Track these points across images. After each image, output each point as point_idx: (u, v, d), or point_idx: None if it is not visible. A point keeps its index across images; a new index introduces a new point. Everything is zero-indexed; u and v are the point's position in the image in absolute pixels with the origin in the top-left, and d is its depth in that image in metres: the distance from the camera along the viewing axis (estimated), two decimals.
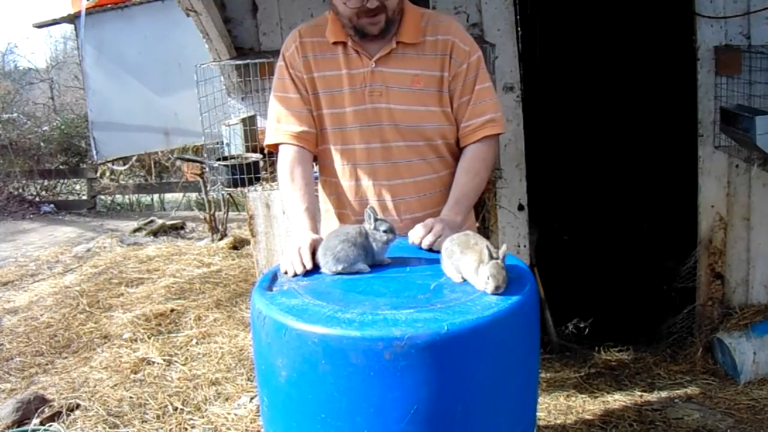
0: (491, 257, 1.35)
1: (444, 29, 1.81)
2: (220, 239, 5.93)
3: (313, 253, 1.59)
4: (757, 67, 2.86)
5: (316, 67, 1.82)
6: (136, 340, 3.72)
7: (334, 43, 1.80)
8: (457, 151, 1.90)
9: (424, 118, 1.82)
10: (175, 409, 2.94)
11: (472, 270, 1.38)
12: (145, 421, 2.85)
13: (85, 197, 8.73)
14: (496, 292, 1.33)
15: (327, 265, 1.53)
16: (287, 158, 1.83)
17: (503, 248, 1.38)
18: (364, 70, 1.79)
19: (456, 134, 1.87)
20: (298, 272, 1.54)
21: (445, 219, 1.72)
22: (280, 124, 1.86)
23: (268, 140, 1.89)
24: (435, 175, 1.87)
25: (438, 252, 1.53)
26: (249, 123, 2.97)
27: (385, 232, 1.54)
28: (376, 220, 1.55)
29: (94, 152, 4.92)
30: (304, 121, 1.84)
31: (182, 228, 6.74)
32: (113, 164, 7.48)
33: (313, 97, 1.84)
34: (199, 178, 6.26)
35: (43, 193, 8.81)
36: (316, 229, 1.75)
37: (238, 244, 5.67)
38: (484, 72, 1.85)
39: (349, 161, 1.85)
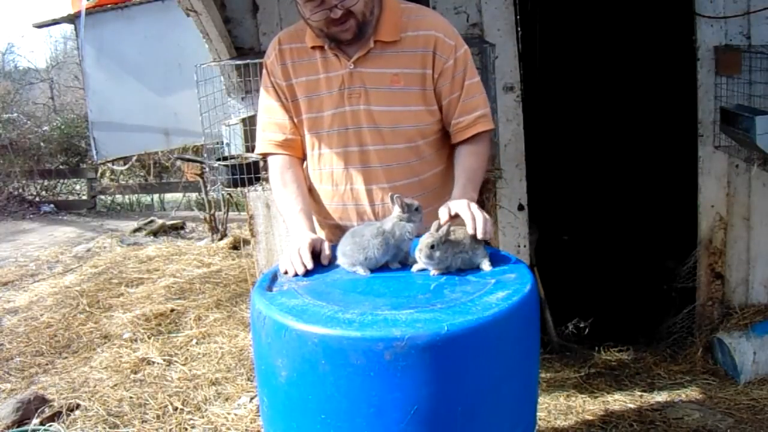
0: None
1: (426, 24, 1.74)
2: (220, 239, 5.93)
3: (313, 253, 1.59)
4: (757, 67, 2.86)
5: (294, 74, 1.79)
6: (136, 340, 3.72)
7: (313, 48, 1.76)
8: (440, 146, 1.84)
9: (406, 119, 1.76)
10: (175, 409, 2.94)
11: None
12: (145, 421, 2.85)
13: (85, 197, 8.73)
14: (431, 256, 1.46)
15: (339, 260, 1.58)
16: (276, 166, 1.84)
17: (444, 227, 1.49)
18: (342, 71, 1.74)
19: (439, 130, 1.81)
20: (299, 272, 1.54)
21: (467, 199, 1.61)
22: (264, 133, 1.86)
23: (257, 149, 1.91)
24: (416, 178, 1.81)
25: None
26: (249, 123, 2.97)
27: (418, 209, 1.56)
28: (409, 209, 1.55)
29: (94, 152, 4.92)
30: (287, 129, 1.83)
31: (182, 228, 6.74)
32: (113, 164, 7.48)
33: (293, 103, 1.81)
34: (199, 178, 6.27)
35: (43, 193, 8.81)
36: (314, 228, 1.75)
37: (238, 244, 5.67)
38: (472, 66, 1.79)
39: (327, 165, 1.82)
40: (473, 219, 1.51)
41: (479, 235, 1.51)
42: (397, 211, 1.56)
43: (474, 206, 1.55)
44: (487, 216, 1.55)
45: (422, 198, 1.80)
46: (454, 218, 1.56)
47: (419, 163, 1.81)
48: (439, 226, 1.49)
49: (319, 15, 1.63)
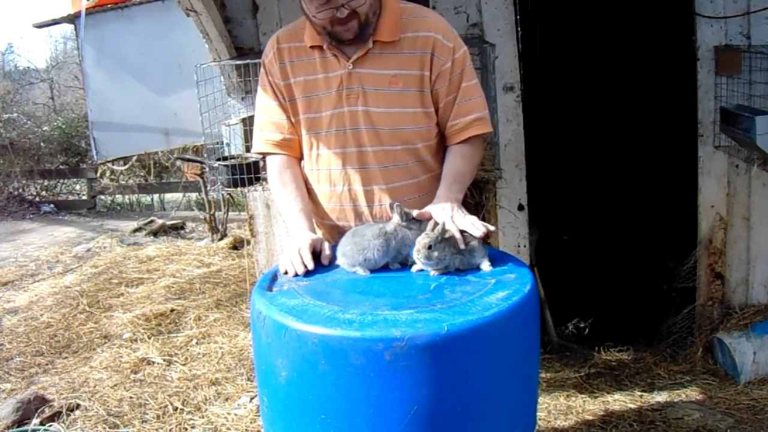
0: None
1: (425, 25, 1.73)
2: (220, 239, 5.93)
3: (313, 253, 1.59)
4: (757, 67, 2.86)
5: (293, 73, 1.78)
6: (136, 340, 3.72)
7: (312, 47, 1.76)
8: (439, 148, 1.84)
9: (404, 121, 1.75)
10: (175, 409, 2.94)
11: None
12: (145, 421, 2.85)
13: (85, 197, 8.73)
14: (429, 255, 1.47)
15: (338, 260, 1.60)
16: (274, 166, 1.84)
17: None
18: (341, 72, 1.73)
19: (437, 132, 1.81)
20: (299, 272, 1.54)
21: (453, 202, 1.65)
22: (262, 133, 1.86)
23: (254, 149, 1.91)
24: (413, 180, 1.81)
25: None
26: (249, 123, 2.97)
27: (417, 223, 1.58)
28: (407, 217, 1.57)
29: (94, 152, 4.92)
30: (285, 128, 1.83)
31: (182, 228, 6.74)
32: (113, 164, 7.47)
33: (291, 103, 1.81)
34: (199, 178, 6.27)
35: (43, 193, 8.80)
36: (314, 228, 1.75)
37: (238, 244, 5.67)
38: (471, 69, 1.78)
39: (325, 166, 1.82)
40: (462, 231, 1.54)
41: (477, 234, 1.53)
42: (396, 219, 1.56)
43: (457, 217, 1.58)
44: (472, 216, 1.58)
45: (420, 200, 1.80)
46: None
47: (417, 164, 1.81)
48: (435, 226, 1.50)
49: (325, 14, 1.63)
